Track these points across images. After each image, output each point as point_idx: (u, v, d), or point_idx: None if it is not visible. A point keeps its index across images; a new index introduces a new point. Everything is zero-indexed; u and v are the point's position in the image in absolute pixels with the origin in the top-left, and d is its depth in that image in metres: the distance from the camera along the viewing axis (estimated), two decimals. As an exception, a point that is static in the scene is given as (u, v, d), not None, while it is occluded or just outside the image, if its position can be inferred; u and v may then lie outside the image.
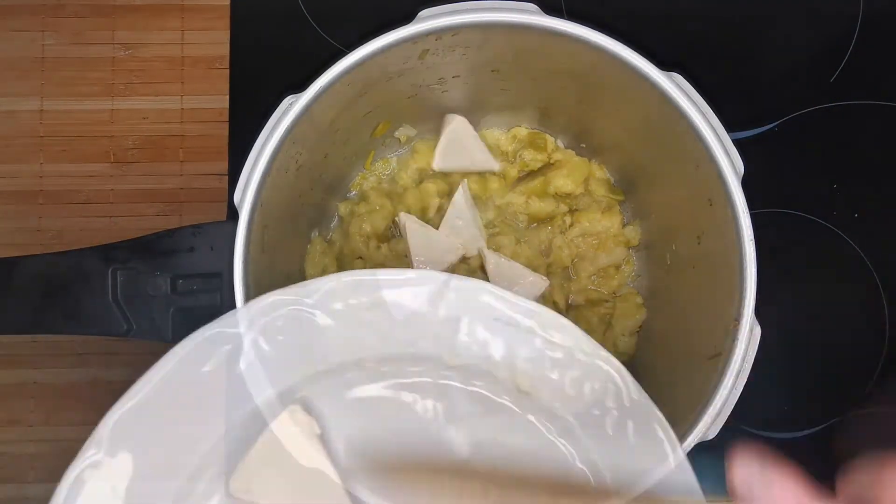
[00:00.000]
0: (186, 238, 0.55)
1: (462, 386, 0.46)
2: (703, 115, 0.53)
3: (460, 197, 0.67)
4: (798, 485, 0.36)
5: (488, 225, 0.69)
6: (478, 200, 0.69)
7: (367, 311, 0.45)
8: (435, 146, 0.70)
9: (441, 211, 0.68)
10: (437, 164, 0.69)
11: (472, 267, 0.68)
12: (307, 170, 0.60)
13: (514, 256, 0.67)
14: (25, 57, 0.77)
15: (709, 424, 0.52)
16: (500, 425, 0.46)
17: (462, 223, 0.65)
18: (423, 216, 0.69)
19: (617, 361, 0.46)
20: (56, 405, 0.75)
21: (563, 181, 0.68)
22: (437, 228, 0.67)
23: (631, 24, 0.65)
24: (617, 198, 0.70)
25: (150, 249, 0.55)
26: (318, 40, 0.74)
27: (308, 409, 0.46)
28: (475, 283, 0.45)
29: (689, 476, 0.42)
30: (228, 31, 0.76)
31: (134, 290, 0.55)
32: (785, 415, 0.71)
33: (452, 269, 0.66)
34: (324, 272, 0.67)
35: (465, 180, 0.68)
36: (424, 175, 0.71)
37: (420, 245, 0.66)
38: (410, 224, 0.66)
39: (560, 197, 0.70)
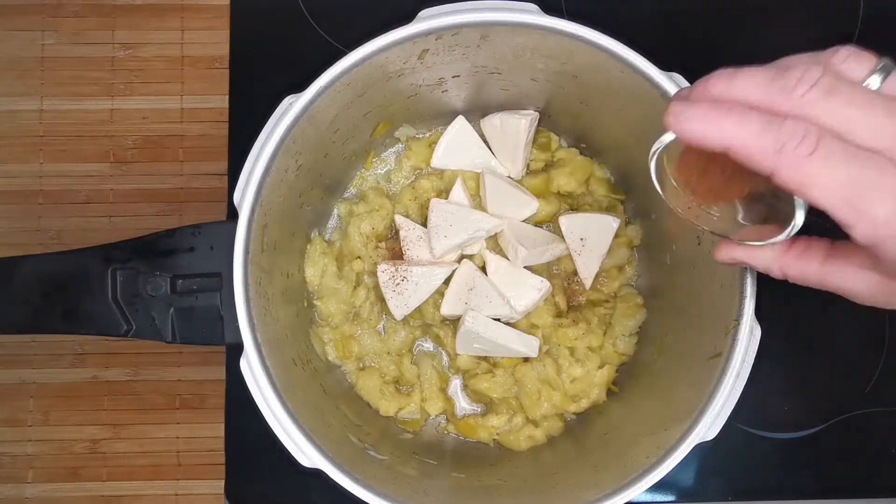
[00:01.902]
0: (186, 238, 0.55)
1: None
2: (704, 115, 0.53)
3: (459, 195, 0.67)
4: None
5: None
6: (473, 198, 0.69)
7: None
8: (429, 144, 0.70)
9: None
10: (436, 162, 0.69)
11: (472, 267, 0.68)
12: (307, 170, 0.60)
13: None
14: (25, 57, 0.77)
15: (709, 424, 0.52)
16: None
17: (462, 223, 0.65)
18: (420, 213, 0.69)
19: None
20: (56, 405, 0.75)
21: (565, 180, 0.68)
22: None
23: (631, 24, 0.65)
24: (617, 197, 0.70)
25: (150, 249, 0.55)
26: (318, 40, 0.74)
27: None
28: None
29: None
30: (228, 31, 0.76)
31: (134, 290, 0.55)
32: (785, 415, 0.71)
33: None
34: (324, 272, 0.67)
35: (461, 178, 0.68)
36: (419, 173, 0.71)
37: (413, 249, 0.66)
38: (404, 230, 0.66)
39: (562, 196, 0.70)
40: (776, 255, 0.40)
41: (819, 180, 0.32)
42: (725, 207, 0.42)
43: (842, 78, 0.33)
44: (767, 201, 0.39)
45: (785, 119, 0.32)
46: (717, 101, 0.34)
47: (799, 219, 0.37)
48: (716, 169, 0.40)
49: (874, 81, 0.34)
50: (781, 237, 0.38)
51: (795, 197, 0.36)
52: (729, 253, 0.42)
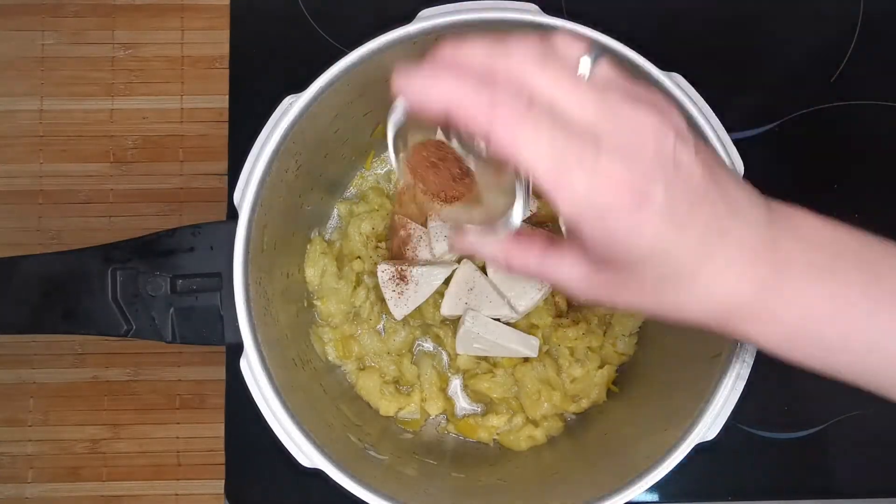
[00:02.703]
0: (186, 238, 0.55)
1: None
2: (704, 114, 0.53)
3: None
4: None
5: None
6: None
7: None
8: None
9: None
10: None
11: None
12: (307, 170, 0.60)
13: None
14: (25, 56, 0.77)
15: (709, 424, 0.52)
16: None
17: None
18: (420, 213, 0.69)
19: None
20: (56, 405, 0.75)
21: (563, 181, 0.68)
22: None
23: (631, 24, 0.65)
24: (617, 198, 0.70)
25: (150, 249, 0.55)
26: (318, 40, 0.74)
27: None
28: None
29: None
30: (228, 31, 0.76)
31: (134, 290, 0.55)
32: (785, 415, 0.71)
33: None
34: (323, 272, 0.67)
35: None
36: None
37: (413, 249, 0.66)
38: (403, 231, 0.66)
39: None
40: (501, 246, 0.42)
41: (528, 143, 0.32)
42: (457, 205, 0.44)
43: (556, 55, 0.35)
44: (495, 199, 0.41)
45: (500, 81, 0.33)
46: (441, 65, 0.35)
47: (516, 211, 0.38)
48: (445, 169, 0.42)
49: (584, 64, 0.35)
50: (500, 227, 0.40)
51: (516, 191, 0.38)
52: (461, 243, 0.43)
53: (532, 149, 0.32)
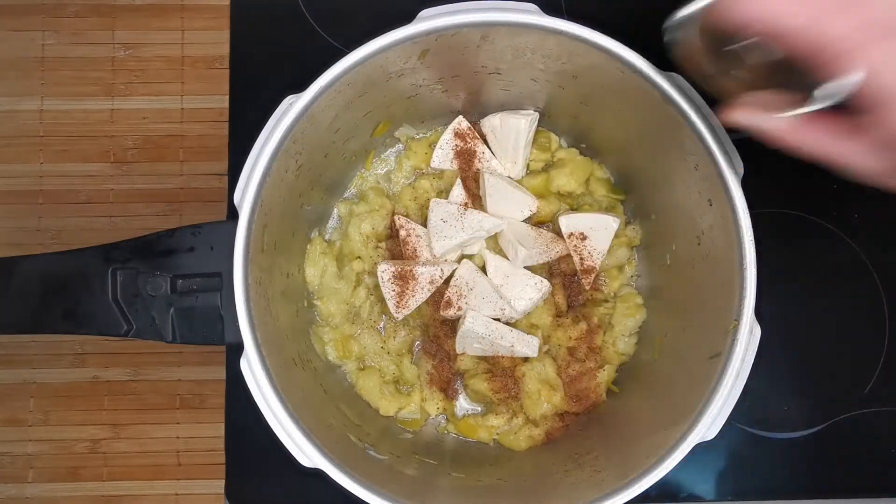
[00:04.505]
0: (186, 238, 0.55)
1: None
2: (703, 115, 0.53)
3: (459, 195, 0.67)
4: None
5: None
6: (473, 198, 0.69)
7: None
8: (429, 144, 0.70)
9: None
10: (436, 162, 0.69)
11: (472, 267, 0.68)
12: (307, 170, 0.60)
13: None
14: (25, 57, 0.77)
15: (709, 424, 0.52)
16: None
17: (462, 223, 0.65)
18: (420, 213, 0.69)
19: None
20: (56, 405, 0.76)
21: (565, 180, 0.68)
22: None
23: (631, 24, 0.65)
24: (617, 197, 0.70)
25: (150, 249, 0.55)
26: (318, 40, 0.74)
27: None
28: None
29: None
30: (228, 31, 0.76)
31: (134, 290, 0.55)
32: (785, 415, 0.71)
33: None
34: (324, 272, 0.67)
35: (461, 178, 0.68)
36: (419, 173, 0.71)
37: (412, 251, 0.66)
38: (404, 230, 0.66)
39: (561, 196, 0.70)
40: (794, 125, 0.39)
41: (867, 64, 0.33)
42: (742, 71, 0.41)
43: None
44: (787, 71, 0.38)
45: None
46: None
47: (836, 91, 0.36)
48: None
49: None
50: (814, 107, 0.38)
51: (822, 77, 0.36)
52: (745, 116, 0.40)
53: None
